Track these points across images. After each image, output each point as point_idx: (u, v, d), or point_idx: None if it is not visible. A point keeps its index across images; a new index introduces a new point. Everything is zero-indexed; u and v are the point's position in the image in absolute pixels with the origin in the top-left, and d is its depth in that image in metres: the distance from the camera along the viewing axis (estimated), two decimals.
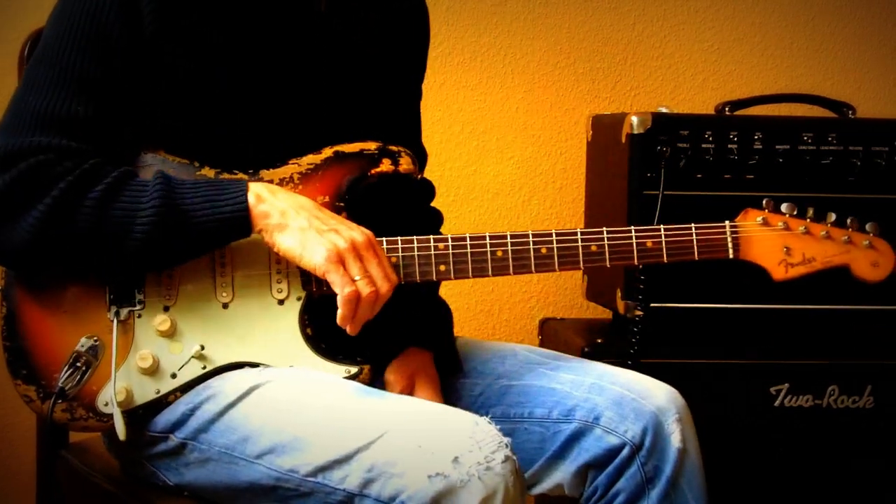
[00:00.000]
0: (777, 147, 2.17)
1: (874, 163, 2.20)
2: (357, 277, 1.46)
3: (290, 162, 1.57)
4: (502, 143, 2.76)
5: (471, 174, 2.65)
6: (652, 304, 2.19)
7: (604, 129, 2.40)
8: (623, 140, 2.20)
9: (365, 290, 1.46)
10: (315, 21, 1.62)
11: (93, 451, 1.71)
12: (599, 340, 2.29)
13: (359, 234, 1.48)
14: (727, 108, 2.33)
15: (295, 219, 1.48)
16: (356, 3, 1.67)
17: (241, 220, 1.48)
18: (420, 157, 1.81)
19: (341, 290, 1.46)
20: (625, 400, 1.56)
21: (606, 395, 1.56)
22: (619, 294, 2.22)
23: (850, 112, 2.37)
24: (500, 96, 2.75)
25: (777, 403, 2.22)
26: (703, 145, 2.17)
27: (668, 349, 2.20)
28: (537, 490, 1.60)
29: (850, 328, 2.24)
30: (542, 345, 2.49)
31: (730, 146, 2.17)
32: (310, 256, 1.47)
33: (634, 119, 2.17)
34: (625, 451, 1.53)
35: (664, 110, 2.22)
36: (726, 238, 1.59)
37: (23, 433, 1.56)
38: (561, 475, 1.58)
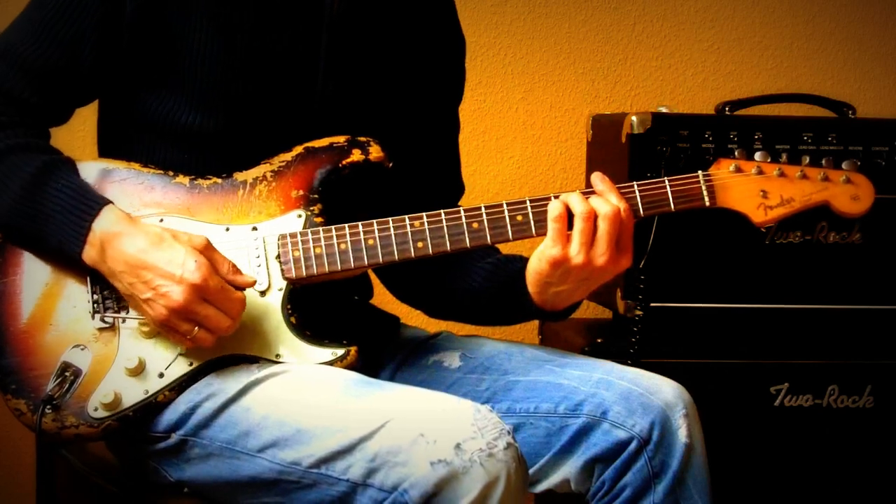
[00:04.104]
0: (777, 147, 2.17)
1: (874, 163, 2.20)
2: (190, 335, 1.48)
3: (262, 162, 1.60)
4: (502, 143, 2.76)
5: (471, 174, 2.64)
6: (652, 304, 2.19)
7: (604, 129, 2.40)
8: (623, 140, 2.20)
9: (203, 341, 1.49)
10: (325, 23, 1.63)
11: (93, 451, 1.71)
12: (599, 340, 2.29)
13: (177, 291, 1.46)
14: (727, 108, 2.33)
15: (118, 281, 1.50)
16: (373, 5, 1.67)
17: (71, 254, 1.51)
18: (456, 191, 1.84)
19: (180, 345, 1.51)
20: (632, 395, 1.56)
21: (614, 389, 1.56)
22: (619, 294, 2.22)
23: (850, 112, 2.37)
24: (500, 96, 2.75)
25: (777, 403, 2.22)
26: (703, 145, 2.17)
27: (667, 349, 2.20)
28: (543, 486, 1.60)
29: (850, 328, 2.24)
30: (542, 344, 2.49)
31: (730, 146, 2.18)
32: (145, 316, 1.51)
33: (634, 119, 2.17)
34: (632, 445, 1.53)
35: (664, 110, 2.22)
36: (700, 187, 1.58)
37: (22, 432, 1.56)
38: (568, 470, 1.58)
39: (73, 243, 1.50)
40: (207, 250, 1.50)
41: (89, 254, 1.50)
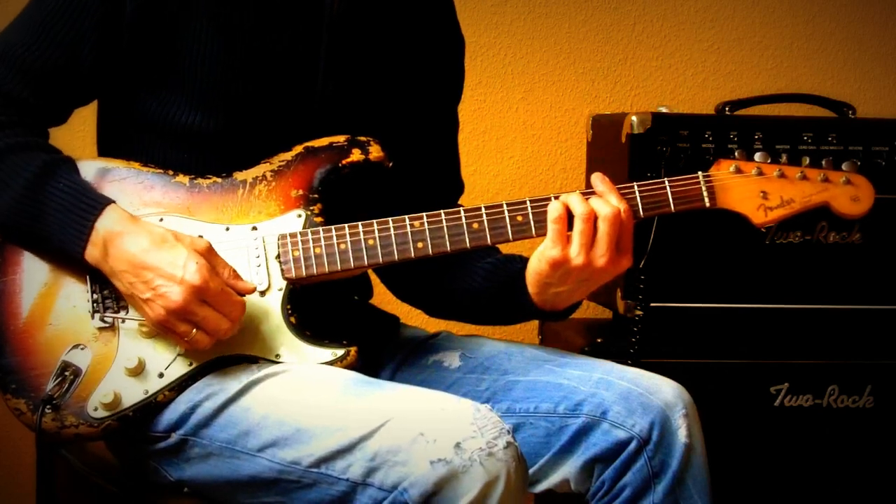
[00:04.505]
0: (777, 147, 2.17)
1: (874, 163, 2.20)
2: (188, 337, 1.48)
3: (262, 162, 1.60)
4: (502, 143, 2.76)
5: (471, 174, 2.65)
6: (652, 304, 2.19)
7: (604, 129, 2.40)
8: (623, 140, 2.20)
9: (200, 343, 1.48)
10: (325, 23, 1.63)
11: (93, 451, 1.71)
12: (599, 340, 2.29)
13: (177, 292, 1.45)
14: (727, 108, 2.33)
15: (119, 281, 1.50)
16: (373, 5, 1.67)
17: (73, 253, 1.51)
18: (456, 190, 1.84)
19: (179, 344, 1.50)
20: (632, 394, 1.56)
21: (614, 389, 1.56)
22: (619, 294, 2.22)
23: (850, 112, 2.37)
24: (500, 96, 2.75)
25: (777, 403, 2.22)
26: (703, 145, 2.17)
27: (667, 349, 2.20)
28: (543, 486, 1.60)
29: (850, 328, 2.24)
30: (542, 344, 2.49)
31: (730, 146, 2.18)
32: (144, 316, 1.50)
33: (634, 119, 2.17)
34: (632, 445, 1.53)
35: (664, 110, 2.22)
36: (701, 188, 1.59)
37: (22, 432, 1.56)
38: (567, 470, 1.58)
39: (76, 242, 1.50)
40: (209, 253, 1.50)
41: (91, 253, 1.50)
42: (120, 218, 1.50)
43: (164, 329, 1.49)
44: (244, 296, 1.51)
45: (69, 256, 1.52)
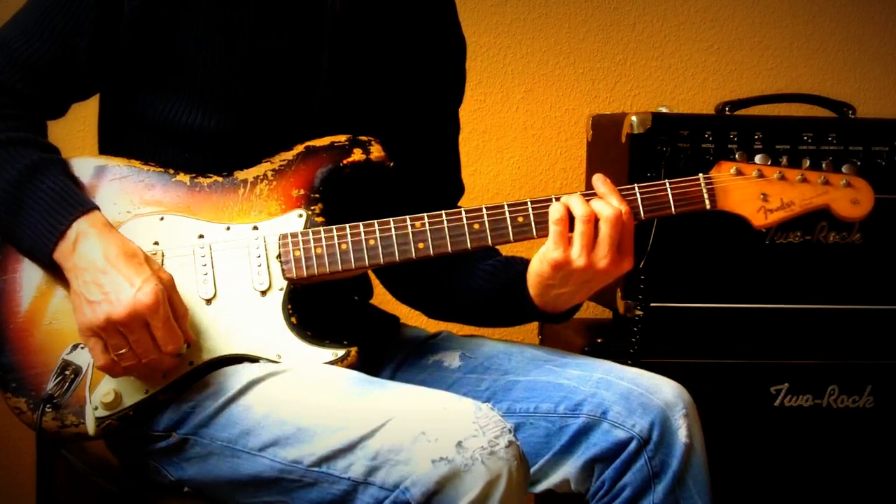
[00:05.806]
0: (777, 147, 2.17)
1: (874, 163, 2.20)
2: (120, 351, 1.45)
3: (263, 161, 1.60)
4: (502, 143, 2.76)
5: (471, 174, 2.65)
6: (652, 304, 2.19)
7: (604, 129, 2.40)
8: (623, 140, 2.20)
9: (123, 361, 1.45)
10: (327, 21, 1.63)
11: (93, 451, 1.71)
12: (599, 340, 2.29)
13: (125, 303, 1.43)
14: (727, 108, 2.33)
15: (74, 280, 1.48)
16: (375, 6, 1.67)
17: (42, 252, 1.49)
18: (456, 192, 1.84)
19: (95, 361, 1.47)
20: (632, 394, 1.56)
21: (614, 389, 1.57)
22: (619, 294, 2.22)
23: (850, 112, 2.37)
24: (500, 96, 2.75)
25: (777, 403, 2.22)
26: (703, 145, 2.17)
27: (667, 349, 2.20)
28: (543, 485, 1.60)
29: (850, 328, 2.24)
30: (542, 344, 2.49)
31: (730, 146, 2.18)
32: (77, 320, 1.48)
33: (634, 119, 2.17)
34: (632, 445, 1.53)
35: (664, 110, 2.22)
36: (701, 190, 1.59)
37: (22, 432, 1.56)
38: (568, 470, 1.58)
39: (48, 238, 1.48)
40: (170, 287, 1.48)
41: (62, 248, 1.49)
42: (99, 222, 1.50)
43: (94, 335, 1.46)
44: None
45: (40, 251, 1.50)
